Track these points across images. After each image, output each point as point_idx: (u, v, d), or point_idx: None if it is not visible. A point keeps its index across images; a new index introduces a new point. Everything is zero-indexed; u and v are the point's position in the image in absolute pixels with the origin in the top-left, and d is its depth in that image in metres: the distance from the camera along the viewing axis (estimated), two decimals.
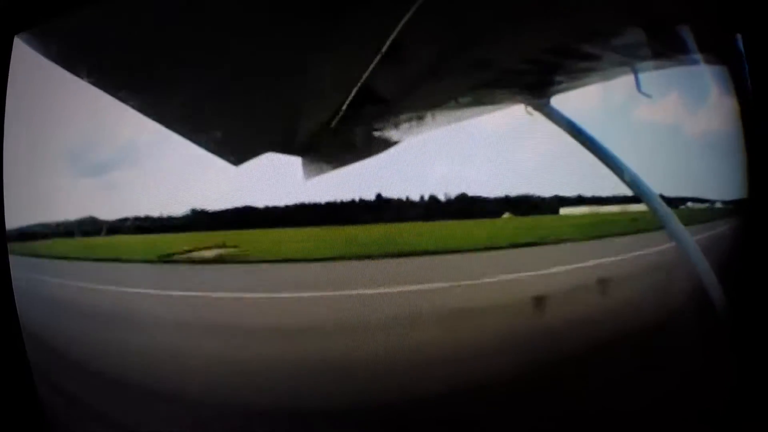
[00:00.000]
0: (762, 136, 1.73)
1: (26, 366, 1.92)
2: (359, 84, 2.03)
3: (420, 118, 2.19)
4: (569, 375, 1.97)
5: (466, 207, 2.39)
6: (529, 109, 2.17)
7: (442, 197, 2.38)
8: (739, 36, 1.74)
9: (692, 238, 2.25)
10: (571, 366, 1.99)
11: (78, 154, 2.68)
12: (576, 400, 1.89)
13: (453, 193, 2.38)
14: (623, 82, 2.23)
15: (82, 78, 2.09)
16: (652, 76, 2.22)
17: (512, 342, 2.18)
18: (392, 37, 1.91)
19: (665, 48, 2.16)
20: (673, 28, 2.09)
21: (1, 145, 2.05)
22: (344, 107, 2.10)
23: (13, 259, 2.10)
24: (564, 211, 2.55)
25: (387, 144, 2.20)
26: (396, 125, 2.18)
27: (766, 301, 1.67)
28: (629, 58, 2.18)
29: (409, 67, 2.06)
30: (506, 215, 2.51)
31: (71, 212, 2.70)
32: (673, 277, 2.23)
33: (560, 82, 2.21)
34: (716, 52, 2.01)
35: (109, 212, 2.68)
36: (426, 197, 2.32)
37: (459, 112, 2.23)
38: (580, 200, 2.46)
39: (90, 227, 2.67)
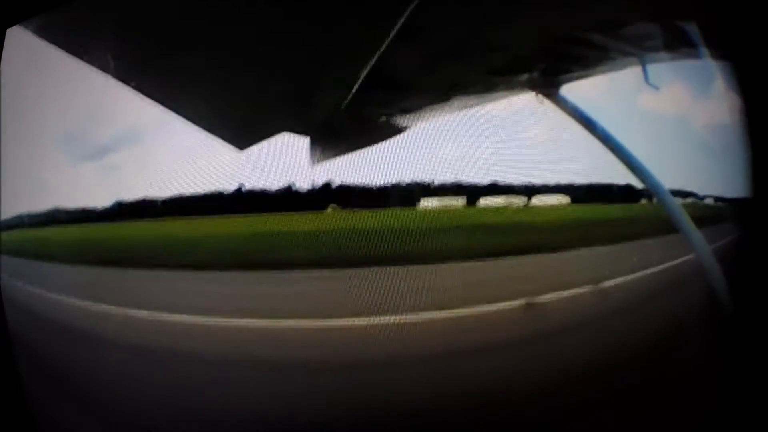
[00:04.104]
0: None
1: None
2: (370, 66, 1.99)
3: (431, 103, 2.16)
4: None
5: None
6: (540, 96, 2.16)
7: None
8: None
9: (698, 232, 2.23)
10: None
11: (68, 143, 2.64)
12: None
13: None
14: (630, 73, 2.23)
15: (82, 62, 2.02)
16: (659, 69, 2.22)
17: None
18: (402, 20, 1.88)
19: (672, 42, 2.17)
20: (680, 23, 2.10)
21: None
22: (355, 89, 2.06)
23: None
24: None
25: (396, 130, 2.17)
26: (405, 111, 2.15)
27: None
28: (637, 50, 2.18)
29: (421, 51, 2.04)
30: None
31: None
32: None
33: (570, 71, 2.20)
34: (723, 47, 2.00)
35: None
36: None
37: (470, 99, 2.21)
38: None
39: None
